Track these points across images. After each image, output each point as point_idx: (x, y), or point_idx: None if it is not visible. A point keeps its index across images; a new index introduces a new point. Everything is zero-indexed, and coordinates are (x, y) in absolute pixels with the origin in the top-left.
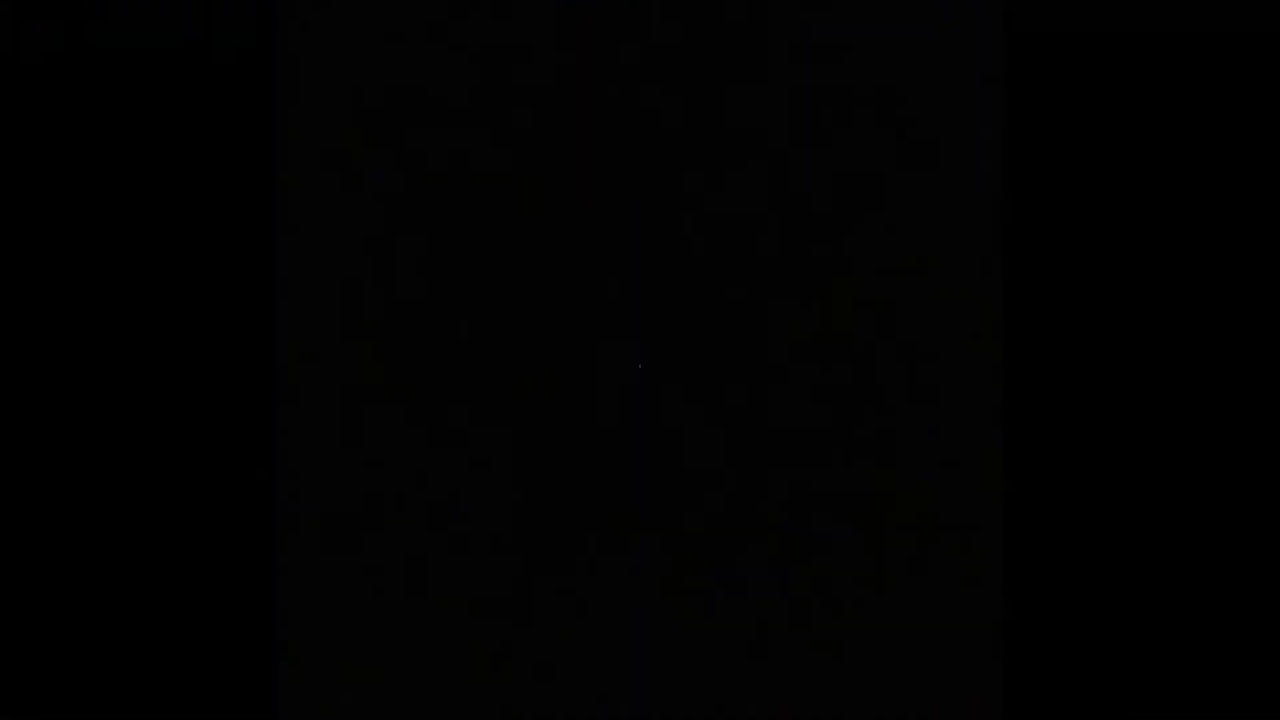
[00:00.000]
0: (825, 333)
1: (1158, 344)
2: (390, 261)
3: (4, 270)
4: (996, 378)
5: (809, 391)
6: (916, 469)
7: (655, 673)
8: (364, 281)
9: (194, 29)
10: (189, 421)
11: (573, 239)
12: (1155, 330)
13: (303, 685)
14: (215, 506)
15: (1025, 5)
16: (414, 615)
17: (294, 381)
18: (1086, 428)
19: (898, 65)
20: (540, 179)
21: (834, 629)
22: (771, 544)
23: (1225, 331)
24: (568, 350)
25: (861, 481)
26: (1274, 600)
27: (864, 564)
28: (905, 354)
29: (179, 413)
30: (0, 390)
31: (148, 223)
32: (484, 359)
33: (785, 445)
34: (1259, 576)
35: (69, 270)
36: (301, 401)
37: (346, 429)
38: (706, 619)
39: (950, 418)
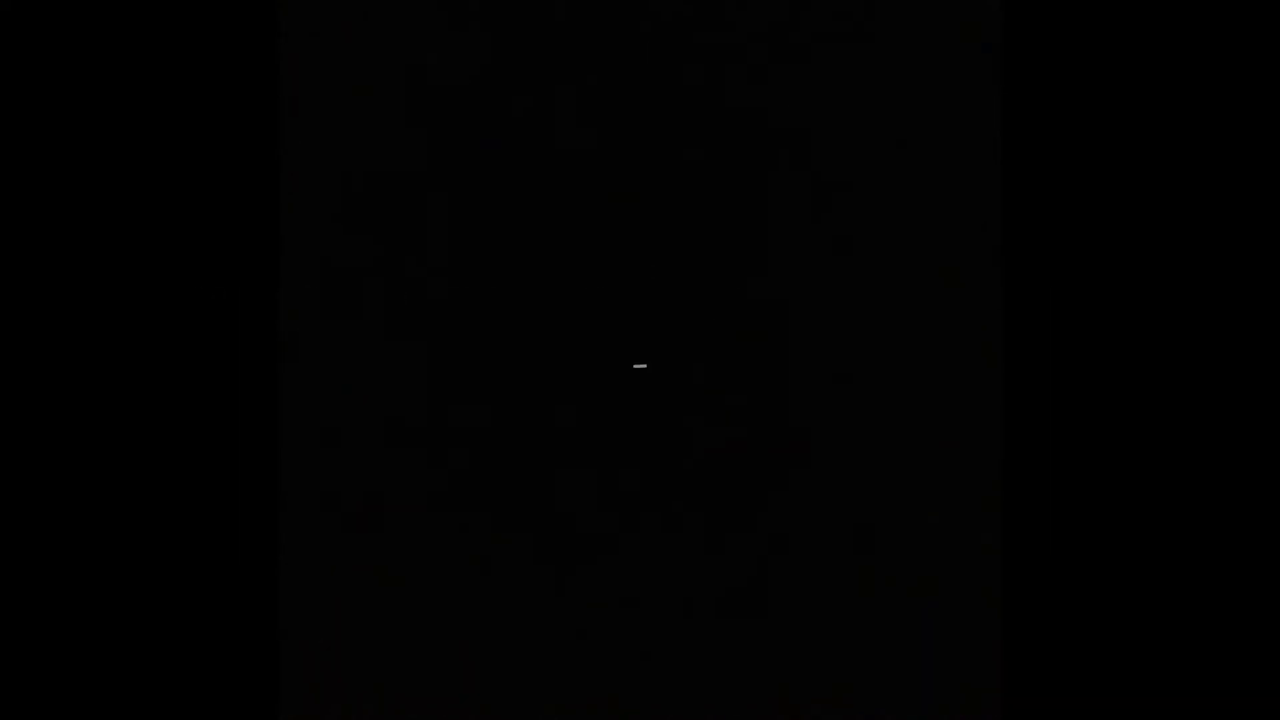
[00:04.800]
0: (823, 331)
1: (1159, 344)
2: (392, 255)
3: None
4: (996, 381)
5: (808, 391)
6: (917, 470)
7: (654, 672)
8: (366, 274)
9: None
10: (189, 418)
11: (572, 236)
12: (1156, 330)
13: (303, 685)
14: (216, 503)
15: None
16: (413, 615)
17: (295, 372)
18: (1087, 428)
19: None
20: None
21: (832, 628)
22: (769, 543)
23: (1228, 331)
24: (568, 350)
25: (862, 482)
26: (1274, 600)
27: (863, 565)
28: (905, 354)
29: (178, 408)
30: None
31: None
32: (484, 360)
33: (785, 445)
34: (1261, 576)
35: (64, 266)
36: (302, 395)
37: (347, 427)
38: (705, 618)
39: (950, 419)
